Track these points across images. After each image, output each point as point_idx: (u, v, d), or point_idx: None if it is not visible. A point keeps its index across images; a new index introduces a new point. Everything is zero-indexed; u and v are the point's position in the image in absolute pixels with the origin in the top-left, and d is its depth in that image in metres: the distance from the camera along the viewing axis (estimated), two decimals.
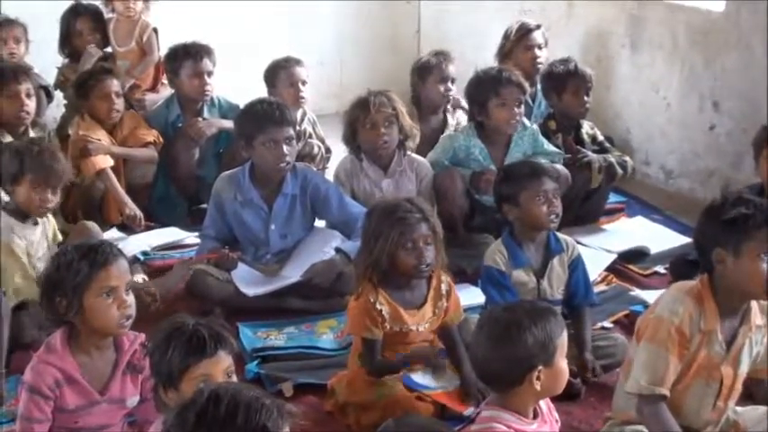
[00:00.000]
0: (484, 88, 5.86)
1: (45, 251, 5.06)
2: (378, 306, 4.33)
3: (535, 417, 3.39)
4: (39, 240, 5.07)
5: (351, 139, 5.77)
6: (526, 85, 5.96)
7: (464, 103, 6.56)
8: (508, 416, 3.33)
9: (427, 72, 6.57)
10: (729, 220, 3.68)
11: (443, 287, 4.45)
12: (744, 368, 3.86)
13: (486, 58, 6.93)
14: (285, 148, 5.30)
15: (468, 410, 4.29)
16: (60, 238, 5.24)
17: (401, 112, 5.72)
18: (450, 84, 6.55)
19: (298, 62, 6.64)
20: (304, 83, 6.58)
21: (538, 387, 3.32)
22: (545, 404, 3.47)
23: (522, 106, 5.91)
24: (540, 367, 3.30)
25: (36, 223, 5.08)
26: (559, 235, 4.86)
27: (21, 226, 5.00)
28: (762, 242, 3.64)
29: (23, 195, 5.00)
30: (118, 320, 3.64)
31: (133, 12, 7.26)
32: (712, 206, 3.82)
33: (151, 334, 3.50)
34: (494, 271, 4.73)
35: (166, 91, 7.15)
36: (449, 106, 6.67)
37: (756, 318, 3.83)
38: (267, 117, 5.32)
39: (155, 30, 7.33)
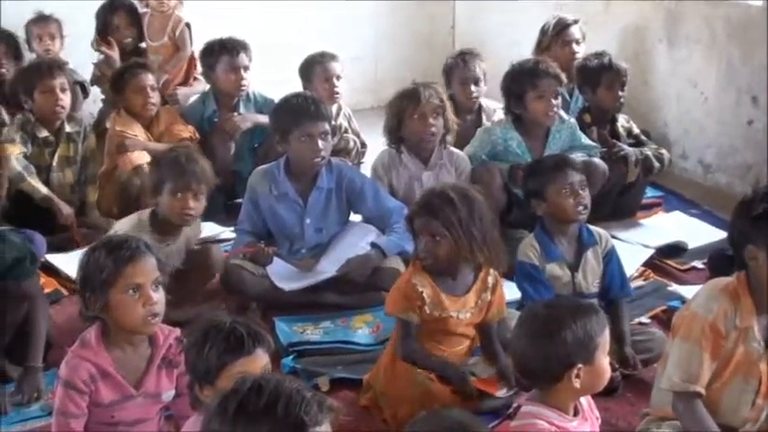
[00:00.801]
0: (521, 80, 5.83)
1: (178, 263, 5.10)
2: (419, 288, 4.32)
3: (576, 413, 3.38)
4: (170, 256, 5.02)
5: (395, 129, 5.74)
6: (563, 76, 5.92)
7: (487, 104, 6.57)
8: (549, 412, 3.31)
9: (450, 73, 6.57)
10: (758, 215, 3.65)
11: (490, 279, 4.43)
12: None
13: (522, 54, 6.87)
14: (320, 142, 5.30)
15: (501, 392, 4.31)
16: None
17: (447, 105, 5.71)
18: (474, 84, 6.50)
19: (333, 57, 6.65)
20: (339, 78, 6.59)
21: (577, 385, 3.30)
22: (586, 401, 3.44)
23: (560, 98, 5.88)
24: (580, 365, 3.28)
25: (170, 244, 5.07)
26: (592, 227, 4.84)
27: (156, 246, 4.87)
28: None
29: (165, 205, 5.01)
30: (143, 317, 3.63)
31: (166, 7, 7.29)
32: (743, 202, 3.78)
33: (187, 331, 3.53)
34: (527, 266, 4.71)
35: (199, 85, 7.24)
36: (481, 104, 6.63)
37: None
38: (302, 111, 5.32)
39: (187, 25, 7.37)
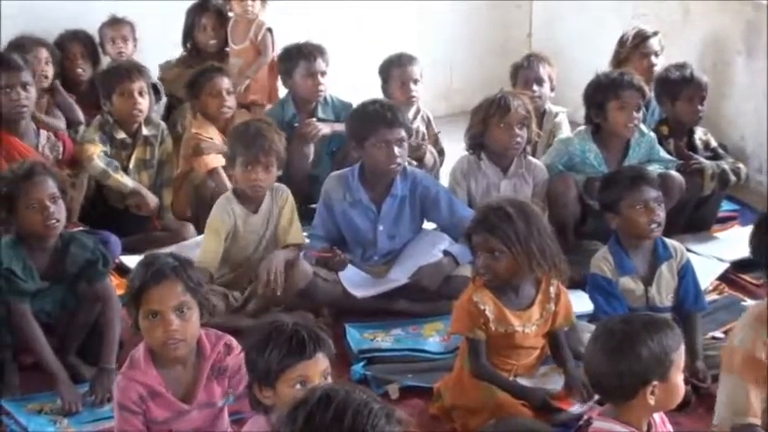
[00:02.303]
0: (603, 90, 5.80)
1: (267, 234, 5.38)
2: (481, 306, 4.31)
3: (649, 429, 3.35)
4: (258, 224, 5.37)
5: (478, 136, 5.70)
6: (646, 89, 5.89)
7: (550, 108, 6.54)
8: (621, 428, 3.28)
9: (515, 74, 6.60)
10: None
11: (552, 290, 4.42)
12: None
13: (599, 62, 6.85)
14: (396, 149, 5.31)
15: (574, 407, 4.29)
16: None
17: (533, 116, 5.70)
18: (537, 85, 6.48)
19: (411, 60, 6.63)
20: (416, 81, 6.56)
21: (652, 402, 3.27)
22: (658, 416, 3.42)
23: (641, 111, 5.84)
24: (656, 382, 3.25)
25: (256, 211, 5.34)
26: (668, 241, 4.82)
27: (245, 213, 5.31)
28: None
29: (239, 177, 5.29)
30: (163, 342, 3.66)
31: (251, 13, 7.32)
32: (760, 222, 3.76)
33: (248, 332, 3.55)
34: (599, 278, 4.70)
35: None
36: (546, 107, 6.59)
37: None
38: (379, 118, 5.34)
39: (269, 29, 7.38)
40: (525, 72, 6.53)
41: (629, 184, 4.74)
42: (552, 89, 6.60)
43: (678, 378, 3.32)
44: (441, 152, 6.74)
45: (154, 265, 3.68)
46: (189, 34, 7.44)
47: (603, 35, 7.41)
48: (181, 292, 3.66)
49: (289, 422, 2.56)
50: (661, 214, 4.72)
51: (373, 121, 5.34)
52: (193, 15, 7.41)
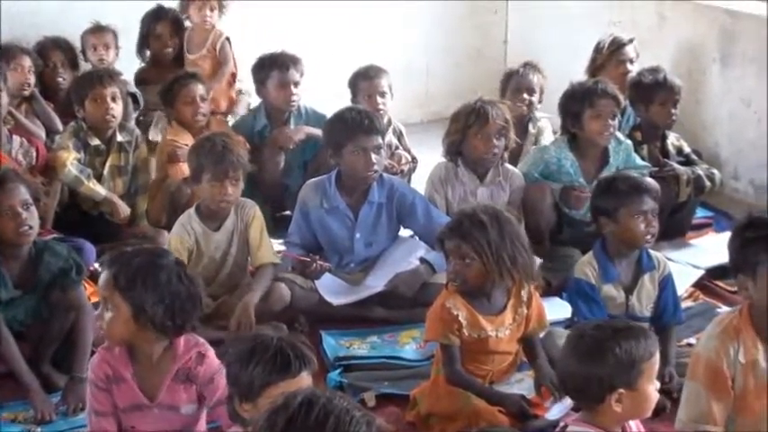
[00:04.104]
0: (578, 99, 5.82)
1: (233, 251, 5.29)
2: (454, 311, 4.32)
3: None
4: (222, 241, 5.27)
5: (456, 144, 5.70)
6: (621, 97, 5.91)
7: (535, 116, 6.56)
8: None
9: (507, 81, 6.59)
10: (742, 244, 3.67)
11: (524, 294, 4.43)
12: None
13: (576, 69, 6.87)
14: (373, 156, 5.31)
15: (550, 413, 4.29)
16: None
17: (511, 125, 5.70)
18: (528, 94, 6.51)
19: (378, 73, 6.54)
20: (383, 94, 6.48)
21: (618, 409, 3.28)
22: (634, 423, 3.42)
23: (617, 119, 5.86)
24: (621, 390, 3.26)
25: (218, 229, 5.25)
26: (652, 252, 4.84)
27: (206, 231, 5.23)
28: None
29: (205, 192, 5.20)
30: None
31: (209, 23, 7.30)
32: (733, 231, 3.80)
33: (230, 344, 3.52)
34: (583, 284, 4.72)
35: (239, 105, 7.30)
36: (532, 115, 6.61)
37: None
38: (356, 125, 5.33)
39: (228, 39, 7.36)
40: (518, 80, 6.54)
41: (630, 192, 4.74)
42: (540, 100, 6.62)
43: (648, 388, 3.31)
44: (414, 160, 6.72)
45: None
46: (144, 43, 7.40)
47: (579, 42, 7.43)
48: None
49: (267, 426, 2.53)
50: (656, 226, 4.76)
51: (351, 128, 5.34)
52: (149, 24, 7.37)
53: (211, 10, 7.29)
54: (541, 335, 4.61)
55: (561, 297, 5.40)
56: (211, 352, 3.80)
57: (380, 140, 5.39)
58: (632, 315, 4.67)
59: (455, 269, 4.34)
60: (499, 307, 4.41)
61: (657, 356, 3.34)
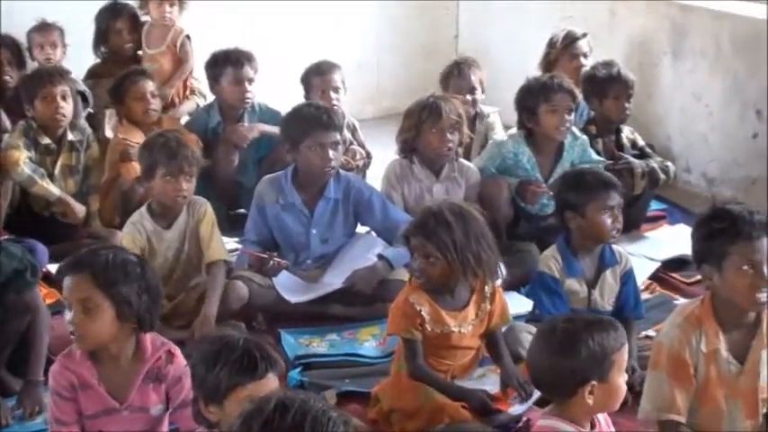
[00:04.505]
0: (534, 94, 5.80)
1: (186, 249, 5.22)
2: (417, 306, 4.31)
3: (593, 427, 3.35)
4: (174, 239, 5.21)
5: (410, 141, 5.69)
6: (577, 92, 5.91)
7: (482, 110, 6.55)
8: (565, 426, 3.29)
9: (446, 82, 6.56)
10: (707, 235, 3.69)
11: (487, 289, 4.42)
12: (764, 378, 3.83)
13: (527, 64, 6.88)
14: (331, 152, 5.29)
15: (513, 408, 4.30)
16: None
17: (464, 120, 5.69)
18: (470, 94, 6.46)
19: (331, 68, 6.53)
20: (337, 89, 6.46)
21: (590, 401, 3.28)
22: (603, 417, 3.42)
23: (573, 114, 5.85)
24: (594, 382, 3.26)
25: (169, 227, 5.19)
26: (614, 247, 4.86)
27: (157, 229, 5.16)
28: (741, 254, 3.63)
29: (158, 188, 5.12)
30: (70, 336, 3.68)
31: (169, 19, 7.25)
32: (697, 222, 3.81)
33: (195, 345, 3.51)
34: (547, 277, 4.73)
35: (191, 102, 7.25)
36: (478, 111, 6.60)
37: None
38: (314, 121, 5.31)
39: (188, 36, 7.32)
40: (456, 81, 6.50)
41: (598, 187, 4.76)
42: (483, 92, 6.59)
43: (618, 380, 3.32)
44: (368, 155, 6.71)
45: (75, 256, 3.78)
46: (101, 39, 7.32)
47: (530, 36, 7.45)
48: (89, 288, 3.63)
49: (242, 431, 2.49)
50: (621, 221, 4.78)
51: (309, 124, 5.31)
52: (106, 19, 7.29)
53: (171, 6, 7.23)
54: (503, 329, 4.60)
55: (519, 291, 5.41)
56: (179, 351, 3.77)
57: (338, 136, 5.37)
58: (594, 309, 4.68)
59: (419, 267, 4.32)
60: (462, 302, 4.40)
61: (627, 347, 3.36)
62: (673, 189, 6.76)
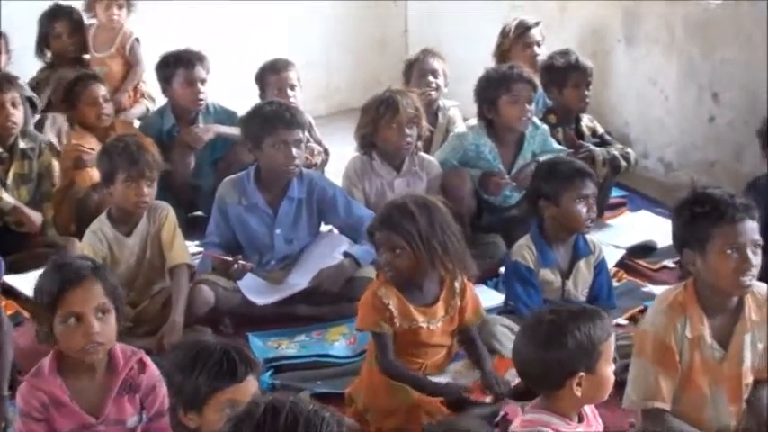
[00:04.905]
0: (494, 85, 5.77)
1: (148, 255, 5.13)
2: (385, 300, 4.24)
3: (580, 420, 3.31)
4: (136, 245, 5.12)
5: (368, 137, 5.66)
6: (537, 81, 5.89)
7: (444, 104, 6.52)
8: (552, 418, 3.25)
9: (410, 70, 6.52)
10: (689, 219, 3.66)
11: (456, 285, 4.35)
12: (748, 363, 3.81)
13: (479, 56, 6.85)
14: (294, 150, 5.22)
15: (489, 397, 4.23)
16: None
17: (422, 114, 5.65)
18: (432, 76, 6.43)
19: (286, 65, 6.49)
20: (293, 87, 6.43)
21: (578, 393, 3.24)
22: (590, 409, 3.38)
23: (533, 104, 5.83)
24: (582, 373, 3.22)
25: (130, 233, 5.09)
26: (587, 237, 4.85)
27: (118, 236, 5.07)
28: (724, 238, 3.60)
29: (119, 194, 5.02)
30: (83, 347, 3.50)
31: (117, 22, 7.15)
32: (678, 205, 3.79)
33: (169, 352, 3.44)
34: (522, 267, 4.70)
35: (141, 106, 7.20)
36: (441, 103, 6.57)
37: (752, 313, 3.77)
38: (277, 118, 5.23)
39: (137, 39, 7.24)
40: (420, 65, 6.47)
41: (573, 175, 4.74)
42: (446, 84, 6.56)
43: (606, 370, 3.28)
44: (326, 152, 6.64)
45: (70, 266, 3.55)
46: (43, 44, 7.22)
47: (480, 28, 7.45)
48: (101, 293, 3.53)
49: None
50: (595, 210, 4.79)
51: (271, 122, 5.23)
52: (47, 23, 7.19)
53: (119, 8, 7.18)
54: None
55: (486, 284, 5.37)
56: (149, 359, 3.70)
57: (301, 134, 5.30)
58: (568, 300, 4.67)
59: (386, 260, 4.26)
60: (431, 298, 4.34)
61: (613, 337, 3.31)
62: (632, 175, 6.74)
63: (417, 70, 6.45)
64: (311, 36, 8.49)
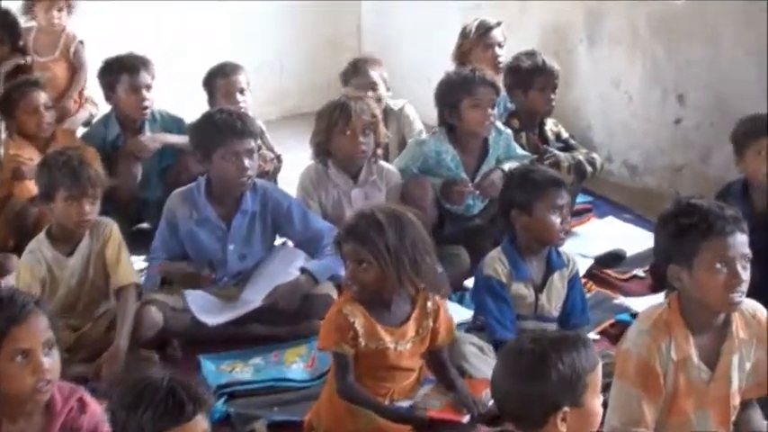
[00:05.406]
0: (455, 89, 5.56)
1: (91, 275, 4.84)
2: (350, 318, 4.01)
3: None
4: (77, 266, 4.82)
5: (323, 145, 5.43)
6: (500, 85, 5.71)
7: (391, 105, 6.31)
8: None
9: (346, 81, 6.35)
10: (676, 232, 3.48)
11: (430, 305, 4.12)
12: (736, 384, 3.63)
13: (434, 54, 6.66)
14: (247, 161, 4.96)
15: (466, 417, 4.04)
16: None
17: (379, 120, 5.44)
18: (372, 90, 6.17)
19: (235, 69, 6.25)
20: (242, 91, 6.19)
21: (563, 429, 2.99)
22: None
23: (496, 108, 5.64)
24: (567, 408, 2.98)
25: (71, 253, 4.80)
26: (561, 249, 4.64)
27: (57, 257, 4.78)
28: (713, 251, 3.42)
29: (60, 212, 4.73)
30: (33, 386, 3.24)
31: (58, 24, 6.92)
32: (661, 217, 3.61)
33: (114, 389, 3.18)
34: (494, 282, 4.49)
35: (84, 112, 7.03)
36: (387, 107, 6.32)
37: (740, 331, 3.60)
38: (228, 128, 4.97)
39: (81, 42, 7.03)
40: (356, 81, 6.25)
41: (547, 184, 4.53)
42: (387, 89, 6.36)
43: (594, 402, 3.05)
44: (279, 159, 6.40)
45: (14, 300, 3.26)
46: None
47: (436, 27, 7.33)
48: (46, 326, 3.27)
49: None
50: (570, 221, 4.62)
51: (222, 132, 4.97)
52: None
53: (59, 11, 6.97)
54: None
55: (451, 299, 5.15)
56: (89, 397, 3.43)
57: (253, 143, 5.03)
58: (541, 315, 4.52)
59: (352, 274, 4.03)
60: (401, 318, 4.10)
61: (600, 366, 3.08)
62: (596, 180, 6.56)
63: (353, 85, 6.21)
64: (262, 37, 8.31)
